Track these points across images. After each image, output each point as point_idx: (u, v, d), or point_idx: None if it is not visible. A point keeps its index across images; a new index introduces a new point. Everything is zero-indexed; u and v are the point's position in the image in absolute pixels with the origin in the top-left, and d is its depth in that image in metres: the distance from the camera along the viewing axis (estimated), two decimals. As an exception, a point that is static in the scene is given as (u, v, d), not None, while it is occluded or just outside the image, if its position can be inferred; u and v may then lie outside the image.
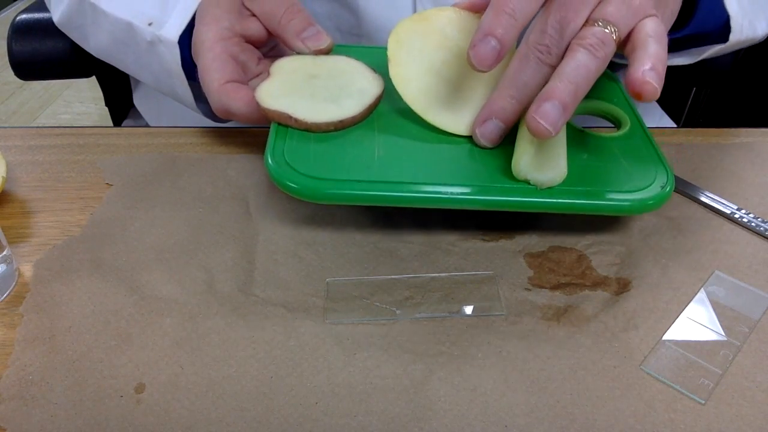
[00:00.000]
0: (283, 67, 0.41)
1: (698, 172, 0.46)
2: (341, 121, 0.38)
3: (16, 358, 0.32)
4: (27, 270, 0.37)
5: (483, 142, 0.38)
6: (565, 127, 0.38)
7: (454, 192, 0.35)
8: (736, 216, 0.41)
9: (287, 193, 0.36)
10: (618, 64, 0.68)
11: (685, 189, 0.44)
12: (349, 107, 0.39)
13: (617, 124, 0.43)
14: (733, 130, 0.51)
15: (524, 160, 0.36)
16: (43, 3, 0.63)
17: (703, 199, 0.43)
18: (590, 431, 0.29)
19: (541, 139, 0.35)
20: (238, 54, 0.43)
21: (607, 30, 0.35)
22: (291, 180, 0.35)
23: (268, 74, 0.41)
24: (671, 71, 0.63)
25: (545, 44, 0.35)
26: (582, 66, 0.34)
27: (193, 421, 0.29)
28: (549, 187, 0.36)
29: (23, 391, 0.31)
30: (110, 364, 0.32)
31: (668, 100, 0.75)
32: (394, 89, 0.40)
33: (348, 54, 0.43)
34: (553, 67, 0.35)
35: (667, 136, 0.50)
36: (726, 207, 0.42)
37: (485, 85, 0.41)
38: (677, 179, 0.45)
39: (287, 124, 0.38)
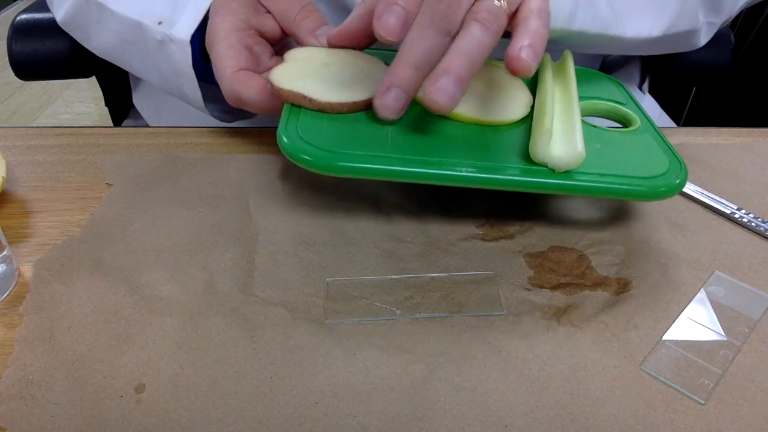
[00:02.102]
0: (297, 55, 0.42)
1: (698, 172, 0.46)
2: (355, 103, 0.38)
3: (16, 358, 0.32)
4: (27, 270, 0.37)
5: (384, 112, 0.37)
6: (578, 110, 0.39)
7: (470, 170, 0.35)
8: (736, 216, 0.41)
9: (302, 166, 0.35)
10: (614, 68, 0.68)
11: (684, 189, 0.44)
12: (363, 91, 0.39)
13: (627, 125, 0.44)
14: (733, 130, 0.51)
15: (542, 141, 0.36)
16: (43, 3, 0.63)
17: (703, 199, 0.43)
18: (590, 431, 0.29)
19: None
20: (252, 46, 0.43)
21: (498, 3, 0.35)
22: (305, 153, 0.35)
23: (283, 60, 0.41)
24: (671, 70, 0.63)
25: (442, 12, 0.35)
26: (476, 41, 0.35)
27: (193, 421, 0.29)
28: (566, 171, 0.36)
29: (23, 391, 0.31)
30: (110, 364, 0.32)
31: (668, 100, 0.75)
32: None
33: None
34: (452, 36, 0.35)
35: (667, 136, 0.50)
36: (726, 207, 0.42)
37: (486, 83, 0.42)
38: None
39: (301, 105, 0.38)
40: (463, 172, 0.35)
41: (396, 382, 0.31)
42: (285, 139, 0.36)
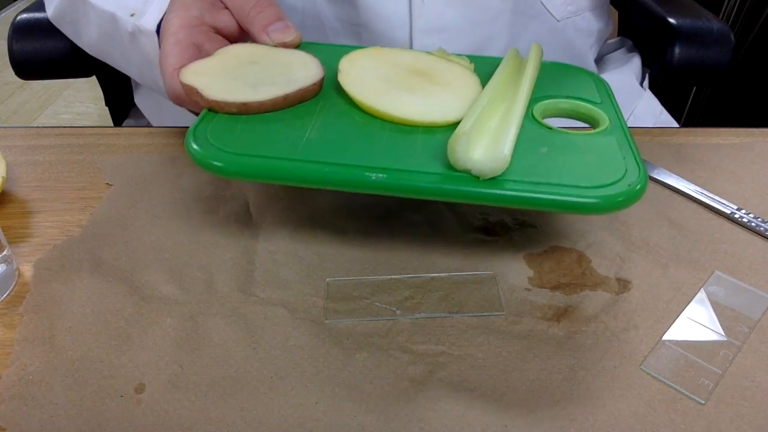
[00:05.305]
0: (229, 51, 0.40)
1: (698, 172, 0.46)
2: (244, 104, 0.36)
3: (16, 358, 0.32)
4: (27, 270, 0.37)
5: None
6: (521, 110, 0.36)
7: (380, 175, 0.32)
8: (736, 216, 0.41)
9: (212, 173, 0.34)
10: (614, 65, 0.68)
11: (684, 189, 0.44)
12: (263, 93, 0.37)
13: (595, 126, 0.40)
14: (733, 130, 0.51)
15: (459, 146, 0.32)
16: (44, 3, 0.63)
17: (703, 199, 0.43)
18: (590, 431, 0.29)
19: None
20: (203, 43, 0.41)
21: None
22: (215, 158, 0.33)
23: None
24: (671, 69, 0.63)
25: None
26: None
27: (193, 421, 0.29)
28: (492, 178, 0.32)
29: (23, 391, 0.31)
30: (110, 364, 0.32)
31: (668, 100, 0.76)
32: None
33: (316, 51, 0.41)
34: None
35: (667, 136, 0.50)
36: (726, 207, 0.42)
37: (437, 85, 0.39)
38: (676, 178, 0.45)
39: (196, 100, 0.37)
40: (372, 177, 0.32)
41: (396, 382, 0.31)
42: (193, 145, 0.34)
